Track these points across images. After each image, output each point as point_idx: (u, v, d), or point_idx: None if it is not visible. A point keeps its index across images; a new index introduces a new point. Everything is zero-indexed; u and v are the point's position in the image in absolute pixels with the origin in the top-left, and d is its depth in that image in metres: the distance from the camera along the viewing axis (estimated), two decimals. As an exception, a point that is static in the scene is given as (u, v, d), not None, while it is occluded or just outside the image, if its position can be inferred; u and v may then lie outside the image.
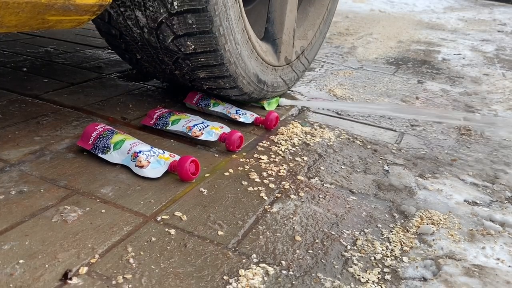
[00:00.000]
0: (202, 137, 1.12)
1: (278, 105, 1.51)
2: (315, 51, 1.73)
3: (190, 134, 1.13)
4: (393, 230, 0.88)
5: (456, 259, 0.80)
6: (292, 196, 0.96)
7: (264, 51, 1.35)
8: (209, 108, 1.32)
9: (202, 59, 1.13)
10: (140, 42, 1.17)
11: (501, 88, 1.97)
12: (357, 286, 0.72)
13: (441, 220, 0.92)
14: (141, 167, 0.96)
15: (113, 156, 0.99)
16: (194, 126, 1.14)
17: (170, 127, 1.17)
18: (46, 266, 0.68)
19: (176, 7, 1.01)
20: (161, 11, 1.03)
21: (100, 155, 1.00)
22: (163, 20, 1.04)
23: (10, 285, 0.64)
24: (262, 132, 1.27)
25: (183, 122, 1.17)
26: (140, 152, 0.98)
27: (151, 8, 1.04)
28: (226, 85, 1.24)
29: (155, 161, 0.97)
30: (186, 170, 0.95)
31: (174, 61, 1.18)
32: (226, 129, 1.18)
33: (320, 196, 0.97)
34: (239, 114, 1.29)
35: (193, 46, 1.09)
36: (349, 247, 0.81)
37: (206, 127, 1.15)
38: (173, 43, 1.10)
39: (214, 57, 1.12)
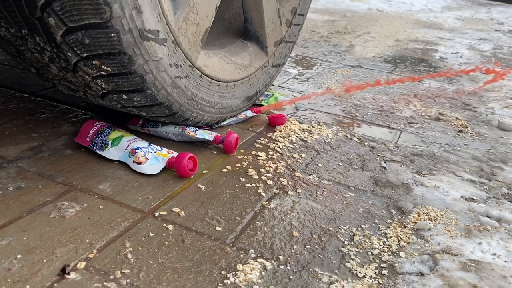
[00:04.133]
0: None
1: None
2: None
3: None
4: (390, 226, 0.88)
5: (453, 254, 0.80)
6: (290, 192, 0.96)
7: (247, 65, 1.27)
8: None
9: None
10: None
11: (498, 86, 1.97)
12: (354, 281, 0.72)
13: (438, 216, 0.92)
14: (139, 163, 0.96)
15: (111, 153, 0.99)
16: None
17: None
18: (44, 261, 0.68)
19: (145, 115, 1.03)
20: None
21: (98, 151, 1.00)
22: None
23: (8, 279, 0.64)
24: (260, 129, 1.27)
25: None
26: (138, 148, 0.98)
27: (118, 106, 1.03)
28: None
29: (153, 157, 0.97)
30: (184, 166, 0.95)
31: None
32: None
33: (318, 192, 0.98)
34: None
35: (167, 121, 1.12)
36: (346, 242, 0.82)
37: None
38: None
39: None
